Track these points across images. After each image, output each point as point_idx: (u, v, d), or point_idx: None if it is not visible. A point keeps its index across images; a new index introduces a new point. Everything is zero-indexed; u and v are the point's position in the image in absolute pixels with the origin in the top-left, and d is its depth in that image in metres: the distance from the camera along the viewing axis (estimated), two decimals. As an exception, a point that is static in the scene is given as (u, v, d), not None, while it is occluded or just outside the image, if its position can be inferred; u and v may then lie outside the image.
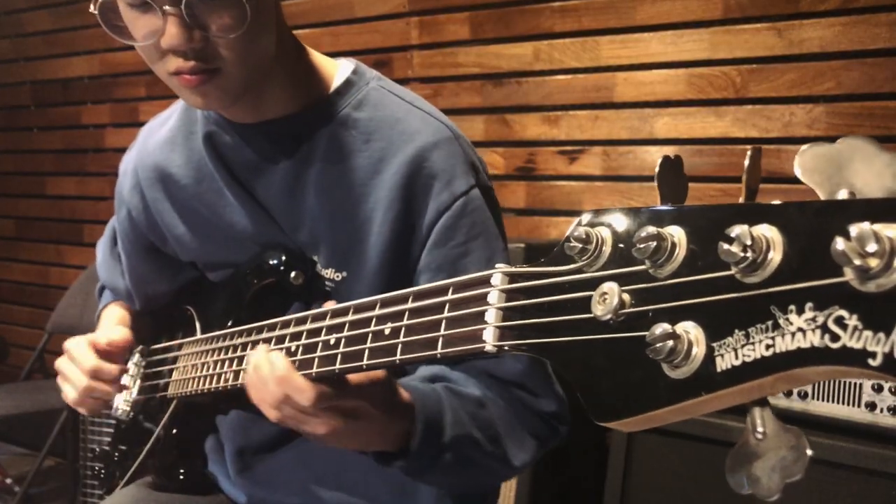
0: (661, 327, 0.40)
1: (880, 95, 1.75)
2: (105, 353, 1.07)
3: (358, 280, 0.93)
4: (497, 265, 0.57)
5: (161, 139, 1.07)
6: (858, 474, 1.34)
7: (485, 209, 0.93)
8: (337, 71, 0.98)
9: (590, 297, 0.47)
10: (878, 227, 0.32)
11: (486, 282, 0.57)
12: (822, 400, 1.40)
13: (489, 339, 0.54)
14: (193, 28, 0.81)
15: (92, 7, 0.86)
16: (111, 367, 1.06)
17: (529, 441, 0.91)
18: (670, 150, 1.98)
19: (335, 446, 0.77)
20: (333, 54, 1.01)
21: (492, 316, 0.55)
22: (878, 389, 1.34)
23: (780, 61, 1.85)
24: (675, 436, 1.51)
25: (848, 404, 1.38)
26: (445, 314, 0.60)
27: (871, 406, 1.36)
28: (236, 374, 0.89)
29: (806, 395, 1.41)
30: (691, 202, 0.48)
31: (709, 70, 1.92)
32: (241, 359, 0.89)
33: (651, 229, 0.43)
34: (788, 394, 1.43)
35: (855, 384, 1.36)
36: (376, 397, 0.75)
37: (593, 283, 0.47)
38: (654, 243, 0.42)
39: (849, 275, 0.33)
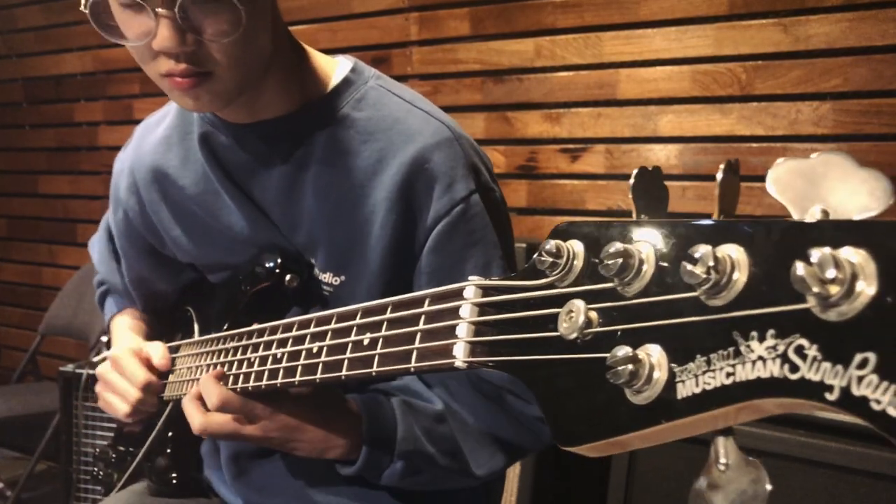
0: (623, 350, 0.39)
1: (888, 92, 1.72)
2: (149, 365, 1.05)
3: (358, 284, 0.92)
4: (470, 277, 0.55)
5: (157, 139, 1.06)
6: (865, 478, 1.32)
7: (484, 215, 0.91)
8: (335, 69, 0.96)
9: (557, 315, 0.45)
10: (840, 251, 0.30)
11: (459, 294, 0.55)
12: (828, 402, 1.38)
13: (459, 354, 0.53)
14: (186, 31, 0.79)
15: (83, 6, 0.85)
16: (158, 381, 1.04)
17: (501, 451, 0.93)
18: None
19: (280, 450, 0.86)
20: (331, 51, 1.00)
21: (463, 330, 0.53)
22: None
23: (787, 58, 1.82)
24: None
25: (854, 407, 1.36)
26: (420, 326, 0.59)
27: (879, 409, 1.33)
28: (227, 378, 0.88)
29: (811, 397, 1.39)
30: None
31: (713, 67, 1.90)
32: (233, 363, 0.88)
33: (619, 245, 0.41)
34: (793, 396, 1.41)
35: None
36: (307, 410, 0.83)
37: (562, 300, 0.45)
38: (621, 260, 0.41)
39: (810, 301, 0.31)
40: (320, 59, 0.97)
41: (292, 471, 1.01)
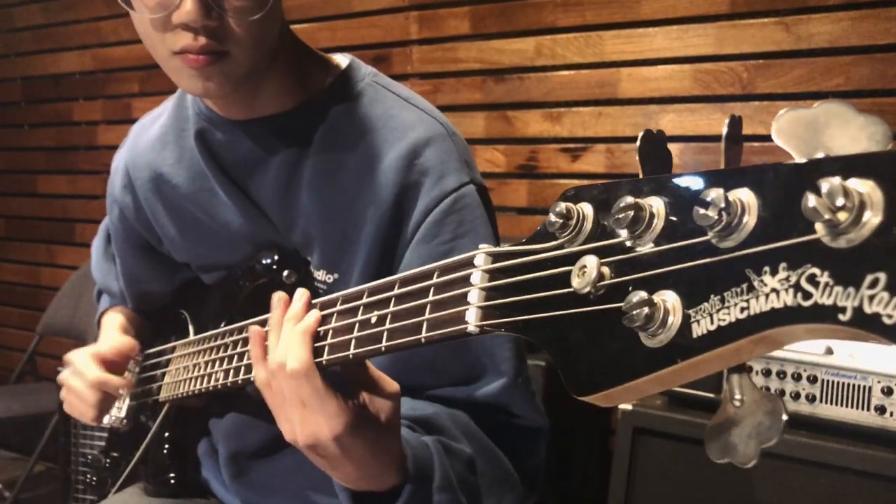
0: (638, 295, 0.39)
1: (890, 91, 1.73)
2: (109, 364, 1.05)
3: (349, 282, 0.90)
4: (480, 245, 0.56)
5: (152, 137, 1.06)
6: (868, 479, 1.31)
7: (477, 206, 0.90)
8: (332, 66, 0.97)
9: (570, 272, 0.46)
10: (848, 181, 0.31)
11: (469, 263, 0.56)
12: (831, 403, 1.37)
13: (471, 319, 0.53)
14: (212, 6, 0.79)
15: None
16: (116, 379, 1.04)
17: (509, 497, 0.86)
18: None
19: (314, 461, 0.72)
20: (331, 49, 1.00)
21: (474, 296, 0.54)
22: (888, 392, 1.31)
23: (788, 56, 1.83)
24: (680, 439, 1.49)
25: (857, 408, 1.35)
26: (430, 298, 0.59)
27: (881, 410, 1.33)
28: (226, 372, 0.87)
29: (814, 398, 1.38)
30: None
31: (715, 66, 1.90)
32: (230, 357, 0.87)
33: (629, 199, 0.42)
34: (796, 397, 1.40)
35: (864, 388, 1.33)
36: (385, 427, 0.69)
37: (573, 258, 0.46)
38: (632, 213, 0.42)
39: (820, 231, 0.32)
40: (318, 57, 0.97)
41: (291, 471, 1.00)
